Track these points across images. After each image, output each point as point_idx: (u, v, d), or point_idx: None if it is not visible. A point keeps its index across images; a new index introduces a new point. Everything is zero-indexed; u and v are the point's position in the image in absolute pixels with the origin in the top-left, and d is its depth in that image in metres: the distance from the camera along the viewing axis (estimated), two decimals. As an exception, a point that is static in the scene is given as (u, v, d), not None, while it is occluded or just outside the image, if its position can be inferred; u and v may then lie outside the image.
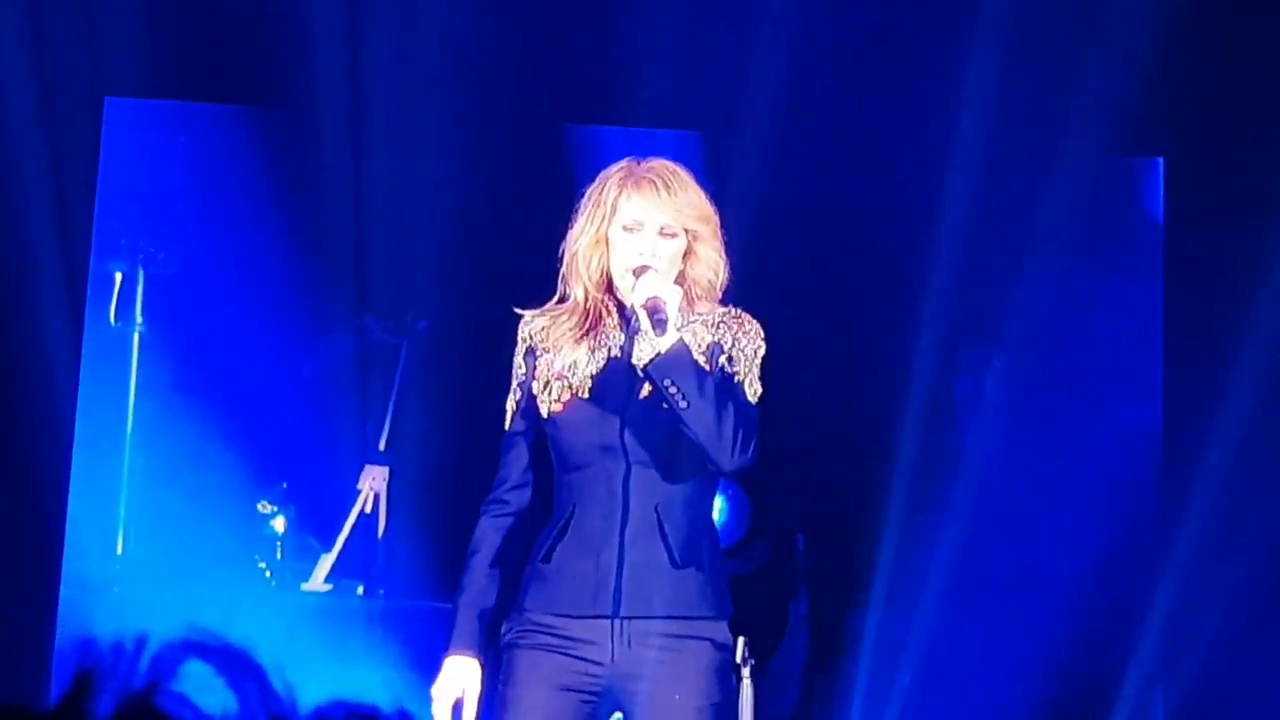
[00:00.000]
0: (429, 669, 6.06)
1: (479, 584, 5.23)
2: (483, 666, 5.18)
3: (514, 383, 5.35)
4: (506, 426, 5.38)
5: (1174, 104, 8.17)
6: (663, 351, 5.15)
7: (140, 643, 6.72)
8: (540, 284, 5.41)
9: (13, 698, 7.01)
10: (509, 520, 5.28)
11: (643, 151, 7.03)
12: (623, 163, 5.40)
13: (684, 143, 7.95)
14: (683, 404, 5.12)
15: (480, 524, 5.24)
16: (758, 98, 7.91)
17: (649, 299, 5.14)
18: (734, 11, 7.98)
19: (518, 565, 5.24)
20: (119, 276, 8.15)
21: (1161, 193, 8.27)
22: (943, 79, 8.05)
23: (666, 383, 5.15)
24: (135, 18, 7.74)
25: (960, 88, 8.03)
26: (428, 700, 6.38)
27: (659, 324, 5.16)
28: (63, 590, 7.72)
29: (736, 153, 8.04)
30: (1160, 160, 8.33)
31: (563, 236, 5.33)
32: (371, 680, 7.61)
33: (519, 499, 5.31)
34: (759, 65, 7.90)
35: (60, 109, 7.60)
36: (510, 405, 5.37)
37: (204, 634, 7.61)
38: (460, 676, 5.15)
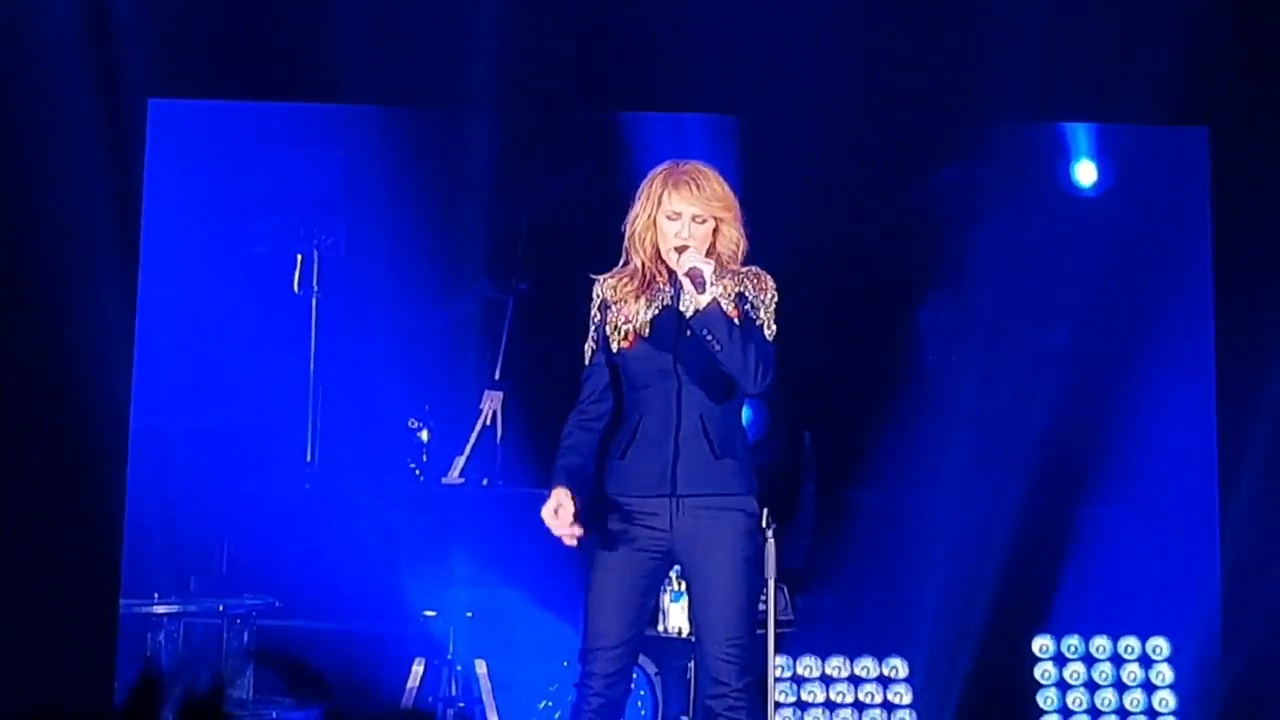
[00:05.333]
0: (534, 537, 6.81)
1: (566, 456, 5.74)
2: (572, 497, 5.62)
3: (591, 328, 5.80)
4: (586, 361, 5.80)
5: (1220, 73, 7.53)
6: (701, 309, 5.60)
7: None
8: (609, 254, 5.91)
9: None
10: (588, 420, 5.77)
11: (690, 136, 7.48)
12: (666, 164, 5.82)
13: (720, 126, 8.01)
14: (717, 347, 5.57)
15: (567, 423, 5.77)
16: (779, 88, 7.78)
17: (690, 268, 5.61)
18: (766, 11, 7.74)
19: (592, 452, 5.71)
20: (299, 257, 8.23)
21: (1209, 161, 7.68)
22: (979, 56, 7.58)
23: (705, 332, 5.58)
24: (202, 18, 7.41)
25: (1000, 62, 7.53)
26: (528, 572, 7.16)
27: (699, 285, 5.59)
28: (265, 485, 7.96)
29: (759, 135, 8.06)
30: (1205, 129, 7.73)
31: (624, 218, 5.80)
32: (489, 554, 7.62)
33: (595, 410, 5.77)
34: (785, 58, 7.74)
35: (120, 111, 7.05)
36: (589, 346, 5.79)
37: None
38: (558, 498, 5.66)
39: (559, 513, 5.66)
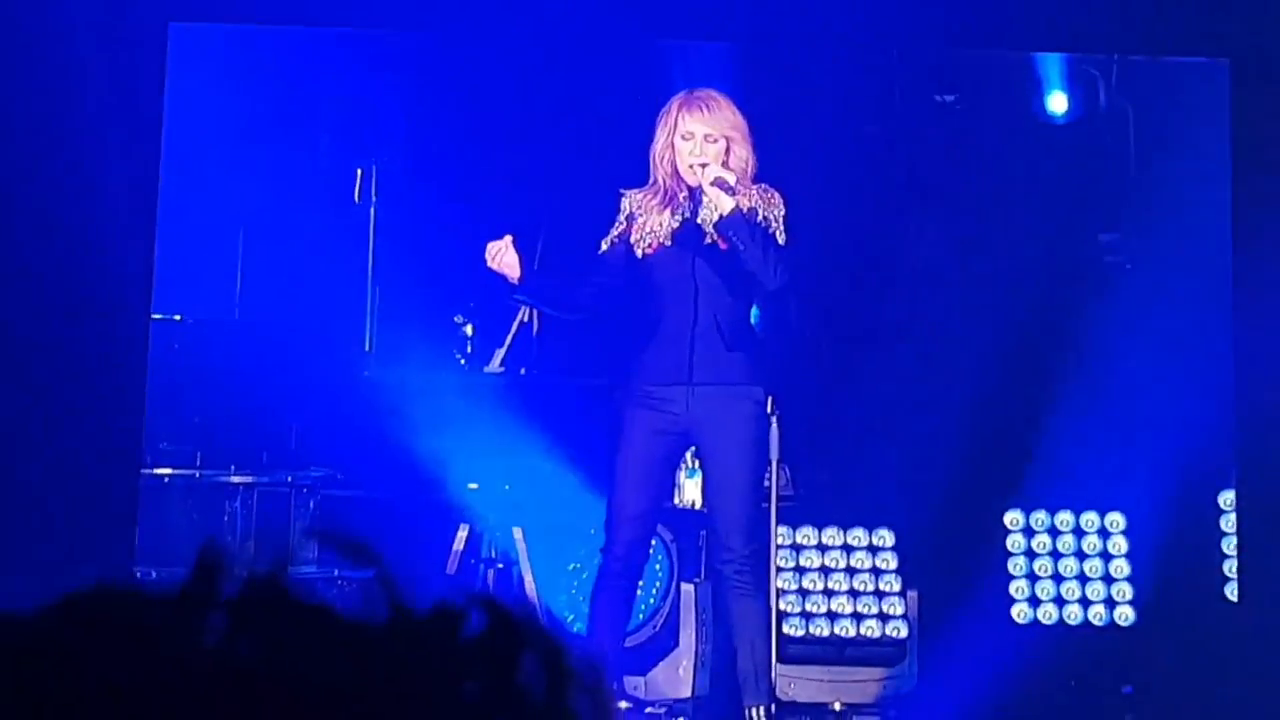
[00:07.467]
0: (566, 419, 7.42)
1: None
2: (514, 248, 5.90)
3: (614, 230, 6.13)
4: (600, 251, 6.13)
5: (1240, 5, 6.97)
6: (725, 214, 5.91)
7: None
8: (637, 172, 6.22)
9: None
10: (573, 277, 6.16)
11: (711, 65, 7.56)
12: (682, 92, 6.11)
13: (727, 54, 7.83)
14: (741, 247, 5.86)
15: None
16: (775, 19, 7.29)
17: (716, 178, 5.93)
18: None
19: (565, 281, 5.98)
20: (359, 171, 8.35)
21: (1228, 95, 7.10)
22: None
23: (731, 234, 5.86)
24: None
25: None
26: (561, 448, 7.36)
27: (728, 190, 5.87)
28: (329, 372, 8.14)
29: (765, 62, 7.95)
30: (1226, 62, 7.19)
31: (650, 140, 6.12)
32: (524, 435, 7.70)
33: (586, 274, 6.14)
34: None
35: (132, 37, 6.62)
36: (606, 244, 6.14)
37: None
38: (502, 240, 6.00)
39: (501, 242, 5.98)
